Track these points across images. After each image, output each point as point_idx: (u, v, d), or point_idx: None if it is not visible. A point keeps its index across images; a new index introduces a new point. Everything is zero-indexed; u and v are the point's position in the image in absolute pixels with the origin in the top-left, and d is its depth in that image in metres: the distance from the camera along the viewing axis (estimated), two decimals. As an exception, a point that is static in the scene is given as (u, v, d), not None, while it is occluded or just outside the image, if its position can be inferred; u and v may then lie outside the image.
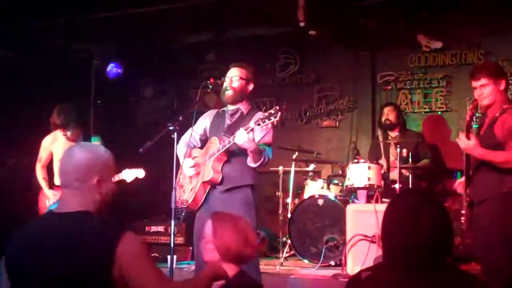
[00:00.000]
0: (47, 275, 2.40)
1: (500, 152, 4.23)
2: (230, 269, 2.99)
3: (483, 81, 4.39)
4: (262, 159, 4.60)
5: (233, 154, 4.68)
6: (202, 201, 4.77)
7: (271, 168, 6.86)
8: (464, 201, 4.45)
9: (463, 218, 4.50)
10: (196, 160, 4.93)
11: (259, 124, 4.37)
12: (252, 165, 4.63)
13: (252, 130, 4.43)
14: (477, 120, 4.58)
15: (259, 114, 4.49)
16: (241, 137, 4.40)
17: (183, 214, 4.97)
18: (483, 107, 4.48)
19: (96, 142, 6.00)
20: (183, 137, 4.94)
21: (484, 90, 4.38)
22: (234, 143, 4.50)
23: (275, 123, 4.37)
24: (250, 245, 3.13)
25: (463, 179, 4.57)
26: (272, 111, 4.35)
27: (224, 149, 4.61)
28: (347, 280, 2.39)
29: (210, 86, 4.81)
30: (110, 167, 2.65)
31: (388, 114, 7.17)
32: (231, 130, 4.68)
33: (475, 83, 4.45)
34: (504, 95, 4.44)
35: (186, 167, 4.83)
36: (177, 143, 4.72)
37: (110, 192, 2.62)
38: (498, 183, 4.28)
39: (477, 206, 4.34)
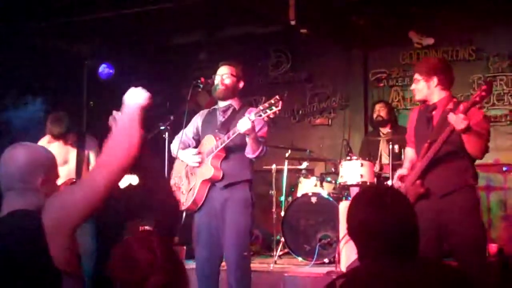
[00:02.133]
0: None
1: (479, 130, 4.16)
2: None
3: (416, 75, 4.45)
4: (260, 149, 4.52)
5: (231, 150, 4.62)
6: (203, 200, 4.67)
7: (264, 167, 6.87)
8: (417, 192, 4.29)
9: None
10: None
11: (260, 115, 4.29)
12: (251, 155, 4.55)
13: (253, 122, 4.35)
14: (423, 113, 4.52)
15: (259, 106, 4.39)
16: (245, 125, 4.30)
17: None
18: (425, 104, 4.47)
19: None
20: (176, 137, 4.90)
21: (417, 85, 4.44)
22: (232, 139, 4.47)
23: (277, 112, 4.28)
24: None
25: (403, 171, 4.54)
26: (272, 101, 4.27)
27: (224, 144, 4.54)
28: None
29: (201, 85, 4.80)
30: (54, 167, 2.56)
31: (380, 111, 7.14)
32: (225, 126, 4.63)
33: (414, 76, 4.51)
34: (438, 91, 4.39)
35: (189, 156, 4.75)
36: (169, 143, 4.71)
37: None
38: (463, 175, 4.27)
39: (440, 199, 4.24)
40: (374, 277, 2.17)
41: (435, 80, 4.37)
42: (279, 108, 4.26)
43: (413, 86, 4.51)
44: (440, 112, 4.37)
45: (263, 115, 4.29)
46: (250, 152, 4.55)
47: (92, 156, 5.93)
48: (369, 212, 2.22)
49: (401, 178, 4.52)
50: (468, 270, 3.96)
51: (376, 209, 2.21)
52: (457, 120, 4.04)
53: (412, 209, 2.29)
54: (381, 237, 2.18)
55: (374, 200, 2.25)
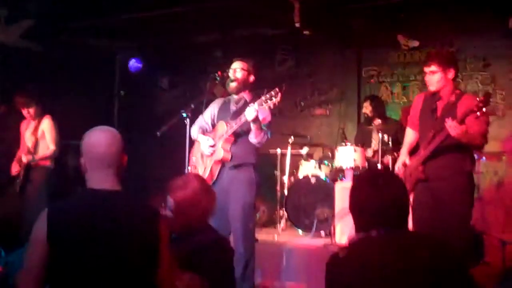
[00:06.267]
0: (99, 253, 2.23)
1: (476, 135, 4.01)
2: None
3: (433, 67, 4.12)
4: (262, 135, 4.48)
5: (239, 135, 4.59)
6: (215, 178, 4.64)
7: (270, 150, 6.88)
8: (419, 177, 4.19)
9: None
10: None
11: (262, 105, 4.29)
12: (253, 140, 4.51)
13: (257, 111, 4.33)
14: (428, 102, 4.30)
15: (261, 97, 4.35)
16: (251, 113, 4.29)
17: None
18: (431, 92, 4.21)
19: None
20: (196, 122, 4.86)
21: (433, 77, 4.13)
22: (241, 125, 4.45)
23: (276, 103, 4.26)
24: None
25: (405, 158, 4.37)
26: (272, 93, 4.26)
27: (233, 129, 4.52)
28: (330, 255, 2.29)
29: (218, 78, 4.75)
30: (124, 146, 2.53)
31: (366, 109, 7.05)
32: (236, 115, 4.58)
33: (426, 69, 4.18)
34: (451, 83, 4.18)
35: (205, 145, 4.69)
36: (189, 127, 4.71)
37: None
38: (461, 163, 4.12)
39: (435, 181, 4.13)
40: (371, 247, 2.18)
41: (452, 72, 4.13)
42: (279, 99, 4.24)
43: (428, 78, 4.18)
44: (444, 103, 4.16)
45: (264, 105, 4.29)
46: (252, 137, 4.51)
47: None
48: (364, 191, 2.27)
49: (405, 165, 4.40)
50: (452, 241, 3.79)
51: (370, 188, 2.25)
52: (451, 127, 3.90)
53: (402, 188, 2.32)
54: (372, 212, 2.21)
55: (369, 181, 2.29)
